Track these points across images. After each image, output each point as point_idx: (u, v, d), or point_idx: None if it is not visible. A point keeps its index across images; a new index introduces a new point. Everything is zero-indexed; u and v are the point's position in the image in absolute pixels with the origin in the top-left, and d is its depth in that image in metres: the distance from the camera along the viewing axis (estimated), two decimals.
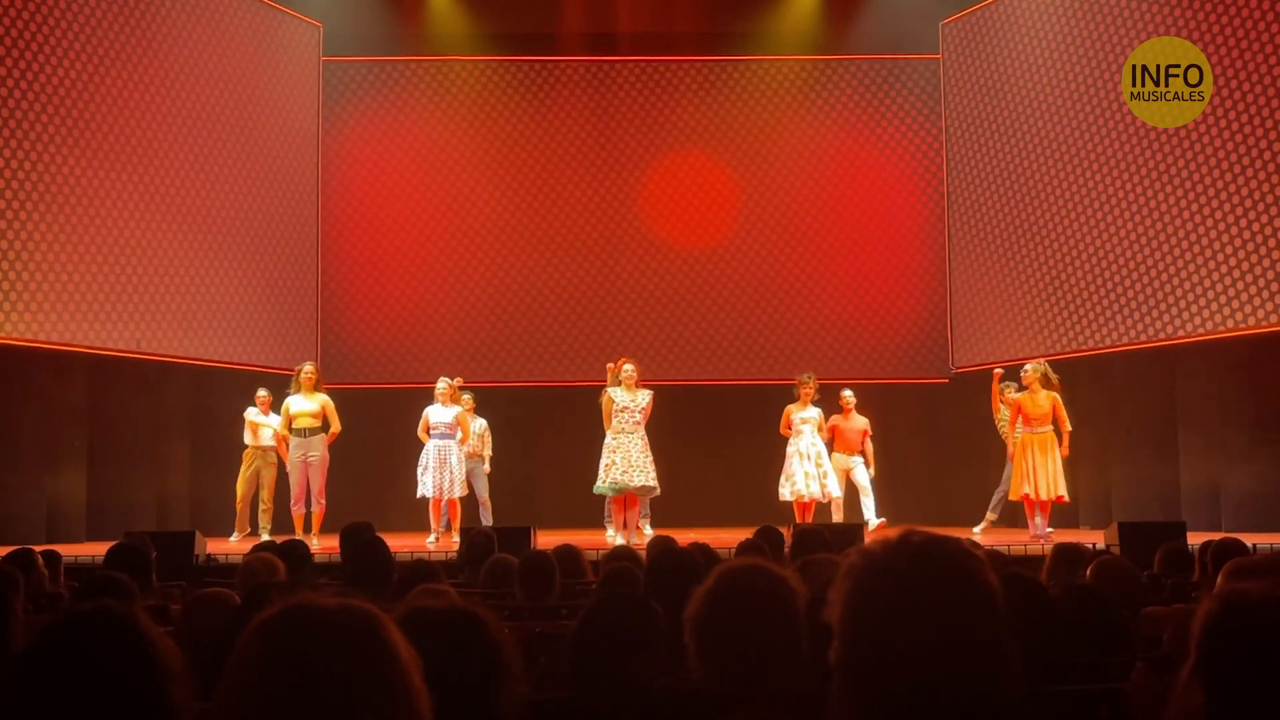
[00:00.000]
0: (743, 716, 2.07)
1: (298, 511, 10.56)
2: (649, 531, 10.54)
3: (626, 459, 10.35)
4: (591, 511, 11.44)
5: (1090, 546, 6.68)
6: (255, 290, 13.29)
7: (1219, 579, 4.09)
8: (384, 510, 11.52)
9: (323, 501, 10.58)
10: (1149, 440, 11.94)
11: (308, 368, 10.78)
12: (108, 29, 11.83)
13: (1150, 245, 11.92)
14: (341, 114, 14.32)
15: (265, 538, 10.12)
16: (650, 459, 10.48)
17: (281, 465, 10.99)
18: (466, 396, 11.66)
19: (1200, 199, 11.47)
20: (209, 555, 8.68)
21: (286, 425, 10.61)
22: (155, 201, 12.21)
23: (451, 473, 10.66)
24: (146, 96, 12.18)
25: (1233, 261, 11.21)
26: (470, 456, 11.41)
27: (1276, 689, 1.70)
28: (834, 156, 14.43)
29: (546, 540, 7.73)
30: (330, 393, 11.06)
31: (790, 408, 11.10)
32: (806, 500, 10.85)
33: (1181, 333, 11.63)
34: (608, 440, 10.46)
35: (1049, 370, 10.53)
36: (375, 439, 13.01)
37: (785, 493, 10.93)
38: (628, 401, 10.54)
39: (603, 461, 10.39)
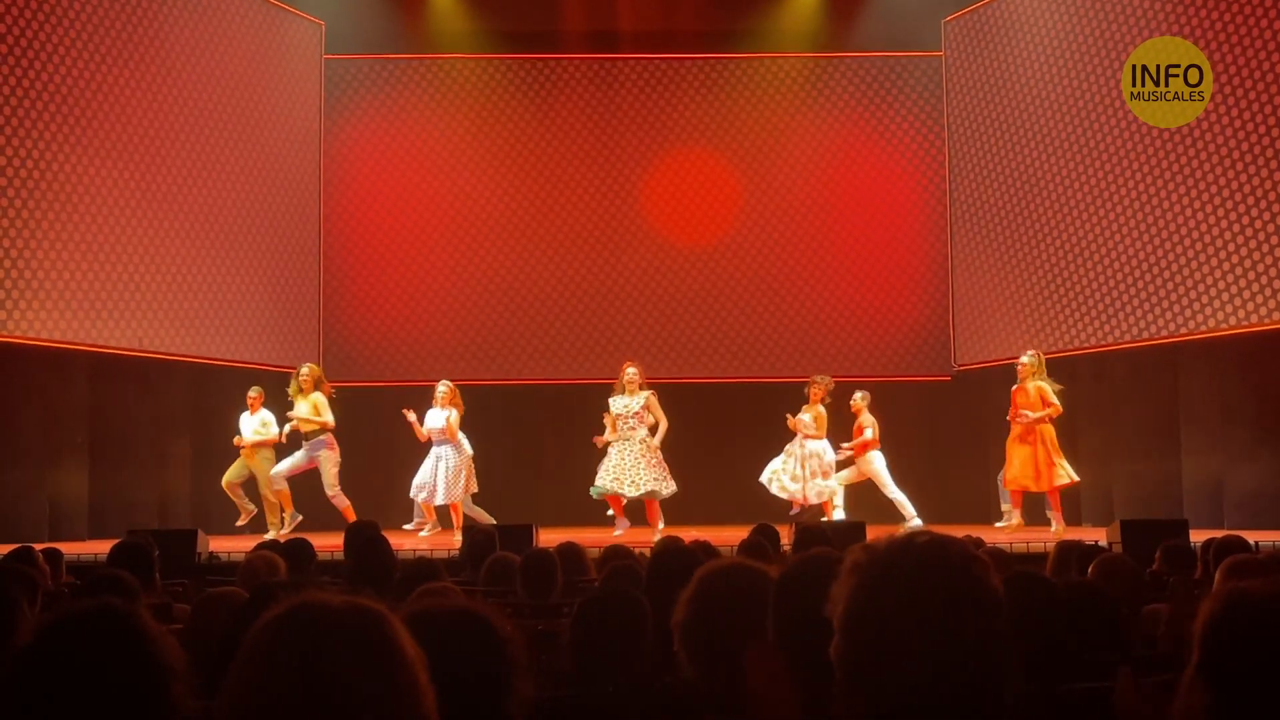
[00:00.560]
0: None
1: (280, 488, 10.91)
2: (661, 526, 10.56)
3: (620, 466, 10.52)
4: (594, 509, 11.44)
5: (1092, 544, 6.68)
6: (257, 288, 13.29)
7: (1216, 577, 4.10)
8: (386, 508, 11.50)
9: (331, 496, 10.79)
10: (1151, 438, 11.94)
11: (303, 371, 10.89)
12: (109, 27, 11.83)
13: (1153, 242, 11.91)
14: (343, 112, 14.32)
15: (270, 535, 10.17)
16: (649, 464, 10.52)
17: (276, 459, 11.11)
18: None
19: (1203, 196, 11.46)
20: (211, 553, 8.69)
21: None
22: (157, 199, 12.21)
23: (437, 476, 10.74)
24: (148, 94, 12.18)
25: (1235, 259, 11.20)
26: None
27: None
28: (836, 154, 14.42)
29: (549, 538, 7.74)
30: (332, 391, 11.11)
31: (822, 411, 11.10)
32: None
33: (1184, 330, 11.63)
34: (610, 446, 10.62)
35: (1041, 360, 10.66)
36: (377, 437, 13.01)
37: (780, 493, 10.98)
38: (621, 408, 10.61)
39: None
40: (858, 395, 11.45)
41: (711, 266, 14.26)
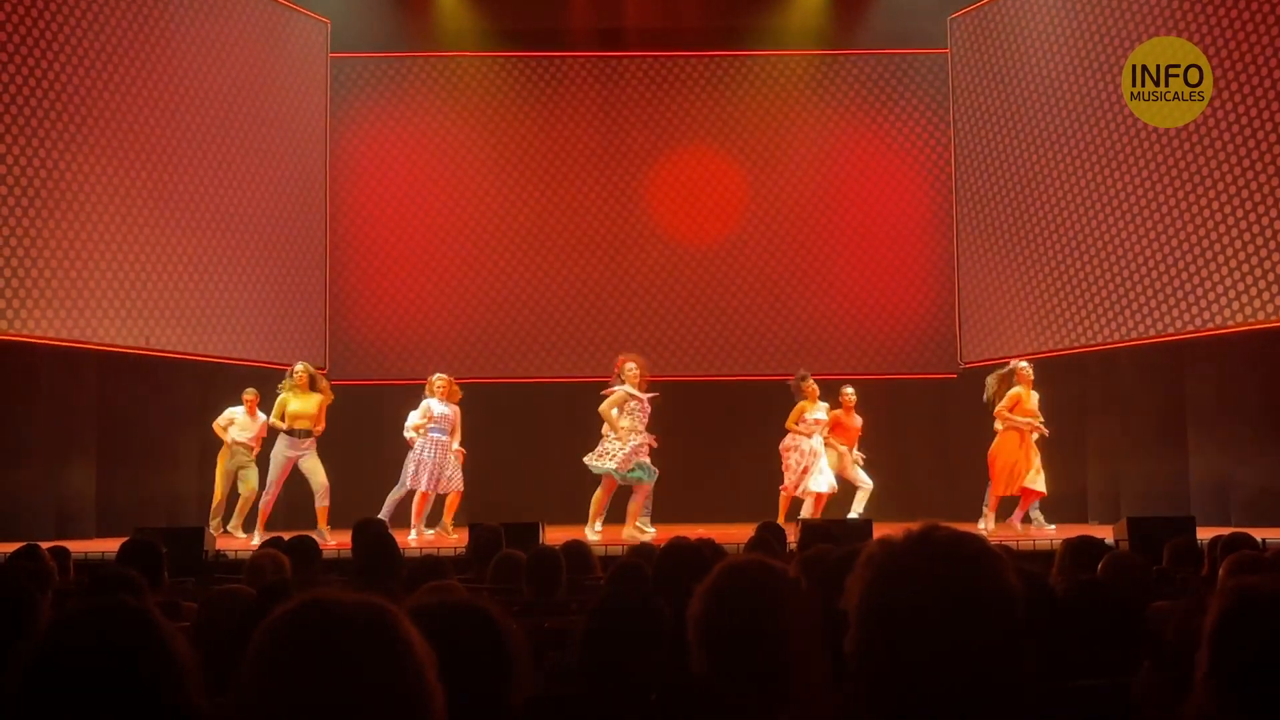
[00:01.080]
0: (750, 717, 2.07)
1: (266, 506, 10.63)
2: (651, 530, 10.48)
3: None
4: None
5: (1099, 541, 6.67)
6: (263, 286, 13.30)
7: (1220, 574, 4.09)
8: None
9: (326, 503, 10.64)
10: (1158, 435, 11.92)
11: (299, 368, 10.77)
12: (115, 26, 11.85)
13: (1159, 240, 11.89)
14: (349, 110, 14.33)
15: (252, 537, 10.12)
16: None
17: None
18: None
19: (1210, 193, 11.44)
20: (218, 551, 8.71)
21: (279, 418, 10.59)
22: (163, 198, 12.22)
23: (446, 467, 10.71)
24: (154, 93, 12.19)
25: (1242, 256, 11.17)
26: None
27: None
28: (841, 152, 14.40)
29: (555, 536, 7.74)
30: (338, 389, 11.09)
31: (804, 404, 11.10)
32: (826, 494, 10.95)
33: (1190, 327, 11.60)
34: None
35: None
36: (383, 435, 13.00)
37: (822, 485, 10.91)
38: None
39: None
40: (849, 390, 11.50)
41: (717, 264, 14.25)
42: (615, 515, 11.10)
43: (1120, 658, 3.29)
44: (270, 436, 10.99)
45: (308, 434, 10.56)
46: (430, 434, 10.71)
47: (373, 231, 14.23)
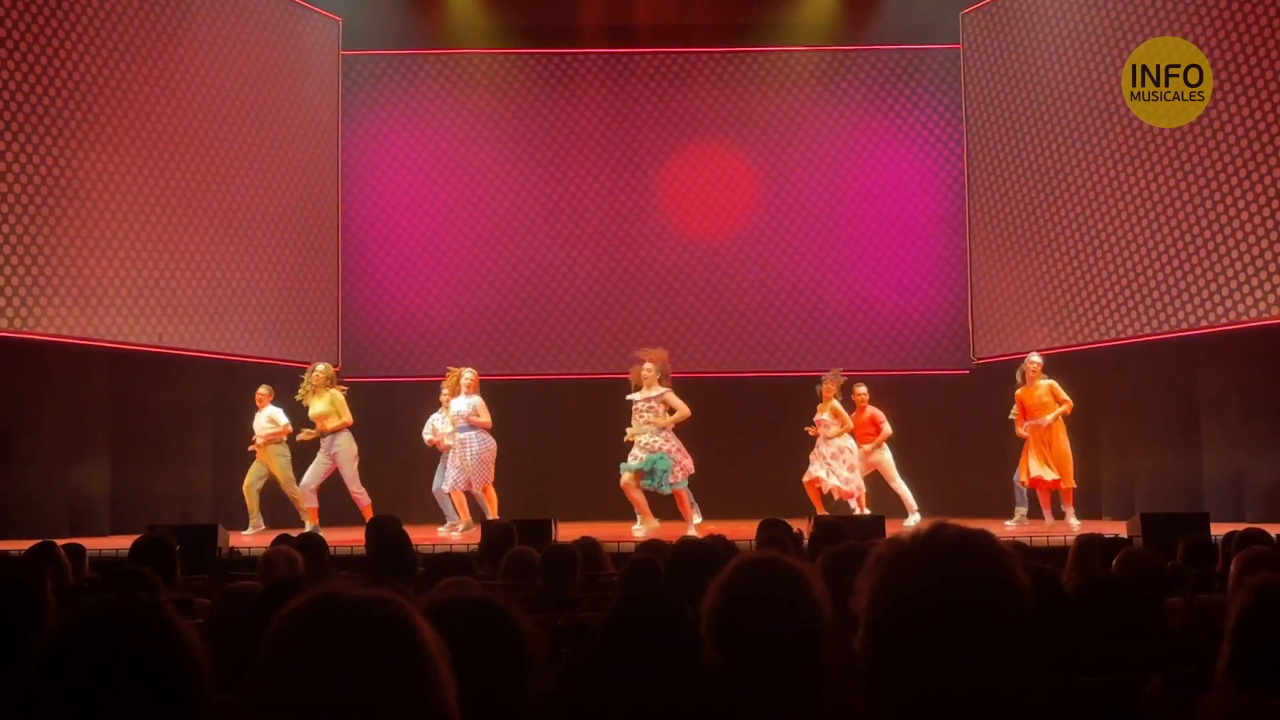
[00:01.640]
0: (768, 715, 2.07)
1: (310, 504, 10.90)
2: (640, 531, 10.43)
3: None
4: (611, 504, 11.43)
5: (1112, 538, 6.66)
6: (276, 284, 13.33)
7: (1232, 570, 4.08)
8: (406, 503, 11.55)
9: (355, 493, 10.88)
10: (1172, 431, 11.88)
11: (318, 369, 10.99)
12: (128, 24, 11.87)
13: (1172, 235, 11.84)
14: (361, 108, 14.34)
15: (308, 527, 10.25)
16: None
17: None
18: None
19: (1223, 188, 11.39)
20: (232, 549, 8.73)
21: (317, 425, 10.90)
22: (176, 196, 12.25)
23: (467, 464, 10.75)
24: (166, 91, 12.22)
25: (1255, 251, 11.13)
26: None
27: None
28: (854, 148, 14.37)
29: (567, 533, 7.74)
30: (351, 386, 11.15)
31: (838, 406, 11.18)
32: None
33: (1204, 323, 11.56)
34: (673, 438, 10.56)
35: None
36: (397, 432, 13.03)
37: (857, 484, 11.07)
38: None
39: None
40: (861, 388, 11.53)
41: (729, 261, 14.23)
42: (625, 512, 11.11)
43: (1135, 653, 3.29)
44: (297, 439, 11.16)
45: (330, 433, 10.80)
46: (456, 432, 10.85)
47: (384, 228, 14.24)
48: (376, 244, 14.24)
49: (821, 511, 10.75)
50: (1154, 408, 12.11)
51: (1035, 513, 11.22)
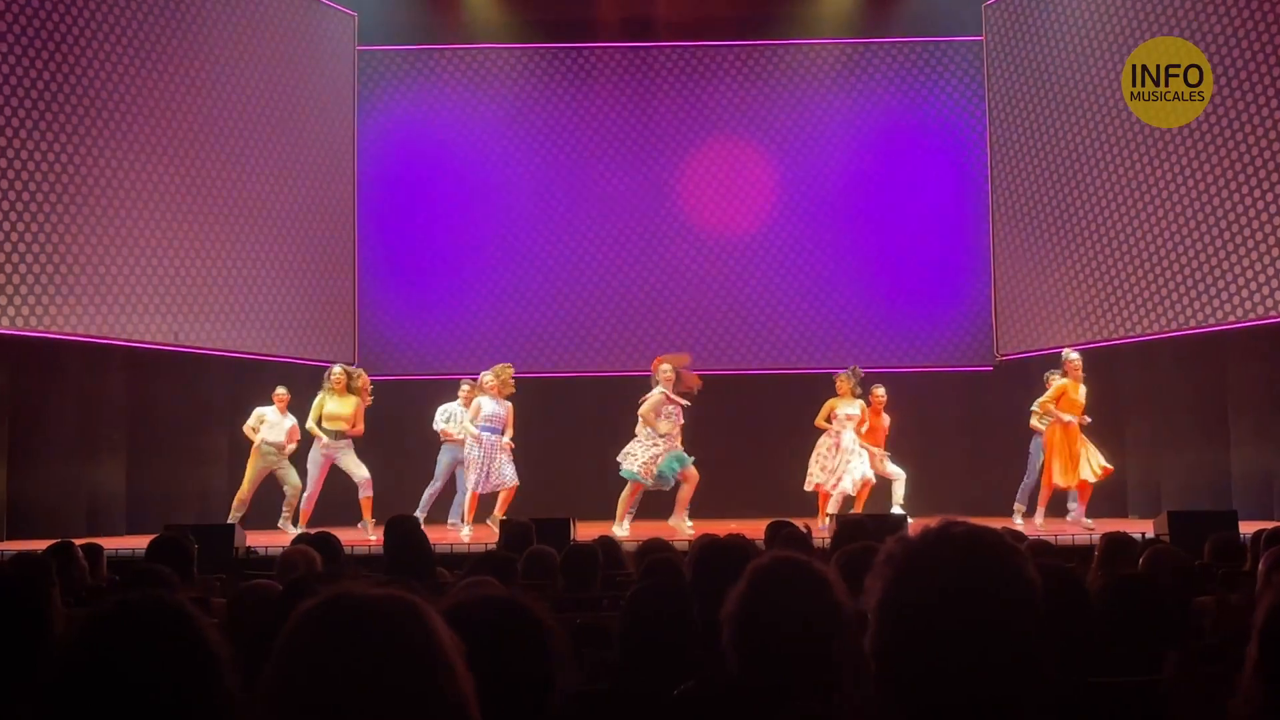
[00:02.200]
0: (785, 716, 2.06)
1: (308, 505, 10.77)
2: (689, 527, 10.40)
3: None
4: None
5: (1139, 536, 6.59)
6: (292, 282, 13.32)
7: (1260, 568, 4.02)
8: (419, 499, 11.51)
9: (369, 493, 10.76)
10: (1199, 428, 11.76)
11: (336, 370, 10.87)
12: (142, 22, 11.87)
13: (1199, 229, 11.69)
14: (377, 103, 14.33)
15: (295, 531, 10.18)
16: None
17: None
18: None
19: (1250, 181, 11.24)
20: (249, 548, 8.73)
21: (316, 421, 10.72)
22: (192, 194, 12.25)
23: (495, 463, 10.72)
24: (182, 88, 12.22)
25: None
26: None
27: None
28: (875, 141, 14.27)
29: (585, 532, 7.70)
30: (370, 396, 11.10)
31: (834, 401, 11.06)
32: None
33: (1232, 318, 11.41)
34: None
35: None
36: (413, 431, 12.99)
37: (851, 485, 10.88)
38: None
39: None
40: (880, 390, 11.47)
41: (749, 256, 14.16)
42: (640, 510, 11.08)
43: (1162, 653, 3.23)
44: (306, 437, 11.01)
45: (341, 434, 10.66)
46: (481, 432, 10.73)
47: (401, 225, 14.22)
48: (392, 240, 14.23)
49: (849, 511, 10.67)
50: (1181, 404, 11.99)
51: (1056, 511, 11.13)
